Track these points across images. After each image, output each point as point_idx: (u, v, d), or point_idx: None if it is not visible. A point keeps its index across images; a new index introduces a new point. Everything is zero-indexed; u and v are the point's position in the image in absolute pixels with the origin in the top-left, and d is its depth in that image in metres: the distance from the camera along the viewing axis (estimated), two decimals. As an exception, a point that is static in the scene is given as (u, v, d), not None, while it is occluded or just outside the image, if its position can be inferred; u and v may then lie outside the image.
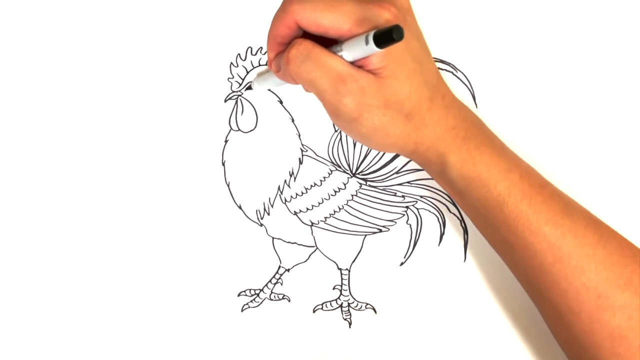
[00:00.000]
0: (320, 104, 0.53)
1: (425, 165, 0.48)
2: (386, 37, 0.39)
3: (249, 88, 0.53)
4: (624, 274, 0.44)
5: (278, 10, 0.45)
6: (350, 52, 0.42)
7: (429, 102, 0.45)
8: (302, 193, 0.54)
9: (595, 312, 0.44)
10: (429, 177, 0.54)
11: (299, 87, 0.52)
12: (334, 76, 0.43)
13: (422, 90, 0.45)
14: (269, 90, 0.53)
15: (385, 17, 0.43)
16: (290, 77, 0.45)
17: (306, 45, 0.43)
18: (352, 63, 0.43)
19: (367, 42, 0.40)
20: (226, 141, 0.54)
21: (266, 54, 0.53)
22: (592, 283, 0.44)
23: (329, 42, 0.44)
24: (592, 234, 0.45)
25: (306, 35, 0.44)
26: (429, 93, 0.45)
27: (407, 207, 0.54)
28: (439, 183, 0.49)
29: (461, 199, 0.48)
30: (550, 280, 0.45)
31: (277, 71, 0.47)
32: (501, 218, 0.45)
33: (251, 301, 0.55)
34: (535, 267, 0.45)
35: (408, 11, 0.47)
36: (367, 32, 0.41)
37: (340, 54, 0.43)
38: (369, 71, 0.43)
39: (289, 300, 0.55)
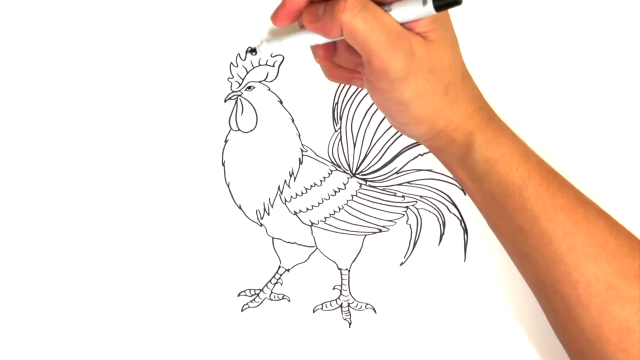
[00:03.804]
0: (320, 104, 0.53)
1: (447, 148, 0.47)
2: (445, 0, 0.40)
3: (249, 88, 0.53)
4: (633, 265, 0.44)
5: None
6: (402, 11, 0.42)
7: (462, 78, 0.46)
8: (302, 193, 0.54)
9: (604, 303, 0.44)
10: (429, 177, 0.54)
11: (300, 85, 0.52)
12: (390, 30, 0.42)
13: (459, 62, 0.45)
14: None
15: None
16: (331, 28, 0.43)
17: None
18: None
19: (425, 3, 0.41)
20: (226, 141, 0.54)
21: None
22: (603, 273, 0.44)
23: None
24: (604, 224, 0.45)
25: None
26: (462, 69, 0.46)
27: (407, 207, 0.54)
28: (454, 171, 0.48)
29: (479, 185, 0.47)
30: (562, 271, 0.45)
31: (313, 21, 0.44)
32: (519, 204, 0.45)
33: (251, 301, 0.55)
34: (548, 257, 0.45)
35: None
36: None
37: (390, 12, 0.43)
38: (417, 33, 0.43)
39: (289, 300, 0.55)
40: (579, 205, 0.45)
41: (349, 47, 0.46)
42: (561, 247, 0.45)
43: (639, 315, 0.44)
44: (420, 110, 0.45)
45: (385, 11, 0.43)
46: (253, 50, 0.51)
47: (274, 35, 0.49)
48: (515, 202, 0.46)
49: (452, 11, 0.52)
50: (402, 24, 0.43)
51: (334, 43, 0.47)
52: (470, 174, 0.47)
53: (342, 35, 0.43)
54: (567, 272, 0.45)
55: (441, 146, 0.48)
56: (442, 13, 0.42)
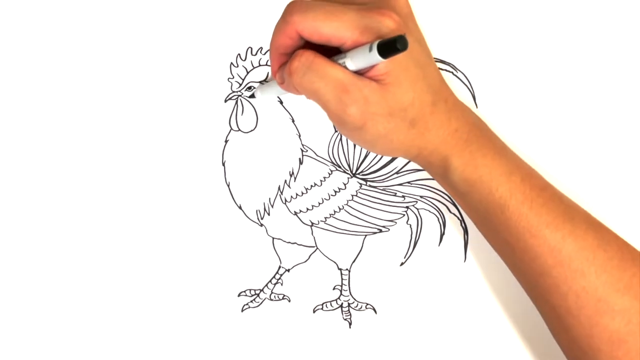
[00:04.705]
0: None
1: (427, 168, 0.48)
2: (390, 47, 0.39)
3: (249, 89, 0.53)
4: (623, 277, 0.44)
5: (279, 21, 0.45)
6: (353, 61, 0.42)
7: (432, 106, 0.45)
8: (302, 193, 0.54)
9: (594, 315, 0.44)
10: (430, 177, 0.54)
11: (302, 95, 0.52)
12: (338, 86, 0.43)
13: (425, 95, 0.45)
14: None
15: (388, 25, 0.43)
16: (293, 88, 0.45)
17: (308, 56, 0.43)
18: (356, 72, 0.43)
19: (370, 52, 0.40)
20: (226, 141, 0.54)
21: (266, 54, 0.53)
22: (592, 286, 0.44)
23: (331, 53, 0.44)
24: (593, 238, 0.45)
25: (309, 45, 0.44)
26: (432, 98, 0.45)
27: (407, 207, 0.54)
28: (441, 185, 0.49)
29: (463, 201, 0.48)
30: (550, 284, 0.45)
31: (281, 83, 0.47)
32: (502, 220, 0.45)
33: (251, 301, 0.55)
34: (536, 270, 0.45)
35: (409, 16, 0.47)
36: (370, 41, 0.41)
37: (343, 63, 0.43)
38: (372, 78, 0.43)
39: (289, 301, 0.55)
40: (565, 221, 0.45)
41: None
42: (547, 262, 0.45)
43: (630, 326, 0.43)
44: (386, 145, 0.46)
45: (339, 62, 0.43)
46: (252, 95, 0.53)
47: (267, 84, 0.52)
48: (498, 219, 0.46)
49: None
50: (359, 71, 0.43)
51: None
52: (453, 191, 0.48)
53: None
54: (555, 285, 0.45)
55: (422, 165, 0.48)
56: (404, 54, 0.42)
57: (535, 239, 0.45)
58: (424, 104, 0.45)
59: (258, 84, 0.53)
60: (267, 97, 0.53)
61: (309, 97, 0.45)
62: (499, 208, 0.45)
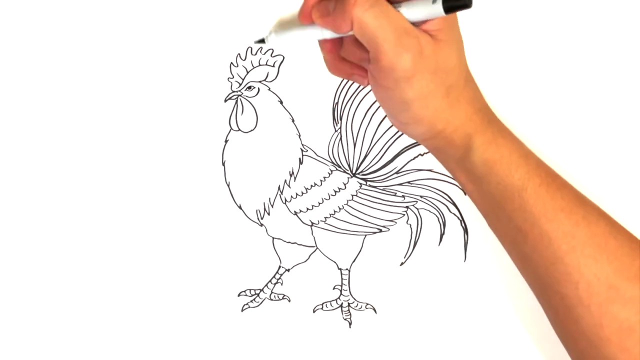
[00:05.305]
0: (320, 104, 0.53)
1: (446, 149, 0.47)
2: (455, 1, 0.39)
3: (249, 88, 0.53)
4: (634, 266, 0.44)
5: None
6: (410, 10, 0.42)
7: (465, 81, 0.46)
8: (302, 193, 0.54)
9: (605, 303, 0.44)
10: (429, 177, 0.54)
11: (300, 85, 0.52)
12: (399, 28, 0.42)
13: (463, 65, 0.46)
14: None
15: None
16: (341, 23, 0.44)
17: None
18: None
19: (434, 3, 0.41)
20: (226, 141, 0.54)
21: (266, 53, 0.53)
22: (603, 274, 0.44)
23: None
24: (604, 225, 0.45)
25: None
26: (466, 73, 0.46)
27: (407, 207, 0.54)
28: (453, 172, 0.49)
29: (478, 187, 0.47)
30: (562, 271, 0.45)
31: (324, 16, 0.45)
32: (519, 204, 0.45)
33: (251, 301, 0.55)
34: (548, 257, 0.45)
35: None
36: None
37: (400, 10, 0.43)
38: (425, 31, 0.43)
39: (289, 300, 0.55)
40: (578, 206, 0.45)
41: (357, 41, 0.45)
42: (561, 247, 0.45)
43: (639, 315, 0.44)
44: (421, 110, 0.45)
45: (396, 9, 0.43)
46: (262, 40, 0.51)
47: (283, 27, 0.50)
48: (514, 203, 0.46)
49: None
50: (412, 23, 0.43)
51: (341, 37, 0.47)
52: (469, 175, 0.47)
53: (351, 30, 0.43)
54: (567, 272, 0.45)
55: (440, 147, 0.48)
56: (451, 15, 0.42)
57: (551, 223, 0.45)
58: (461, 74, 0.45)
59: (274, 25, 0.51)
60: (282, 43, 0.50)
61: (362, 35, 0.43)
62: (517, 191, 0.45)
